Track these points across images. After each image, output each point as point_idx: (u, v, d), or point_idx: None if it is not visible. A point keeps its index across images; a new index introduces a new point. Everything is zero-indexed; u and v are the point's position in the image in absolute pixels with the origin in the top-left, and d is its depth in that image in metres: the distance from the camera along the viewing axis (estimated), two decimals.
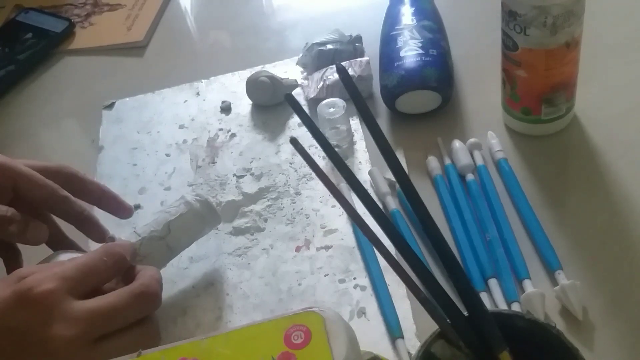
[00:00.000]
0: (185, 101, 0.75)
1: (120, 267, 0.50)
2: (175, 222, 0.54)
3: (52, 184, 0.53)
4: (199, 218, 0.55)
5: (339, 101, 0.64)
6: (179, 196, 0.56)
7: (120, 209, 0.57)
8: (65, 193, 0.53)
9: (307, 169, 0.63)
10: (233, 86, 0.75)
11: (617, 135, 0.59)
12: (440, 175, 0.58)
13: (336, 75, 0.67)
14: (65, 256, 0.52)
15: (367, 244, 0.55)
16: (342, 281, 0.54)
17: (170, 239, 0.53)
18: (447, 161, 0.59)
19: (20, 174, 0.51)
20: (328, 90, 0.67)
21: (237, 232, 0.60)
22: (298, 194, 0.62)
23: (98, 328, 0.45)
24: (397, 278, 0.51)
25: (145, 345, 0.44)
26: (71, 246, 0.56)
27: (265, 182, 0.63)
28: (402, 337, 0.48)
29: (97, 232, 0.56)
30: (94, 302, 0.46)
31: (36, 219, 0.52)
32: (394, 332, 0.49)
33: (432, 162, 0.59)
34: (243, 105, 0.72)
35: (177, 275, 0.57)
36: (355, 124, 0.66)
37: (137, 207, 0.64)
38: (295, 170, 0.64)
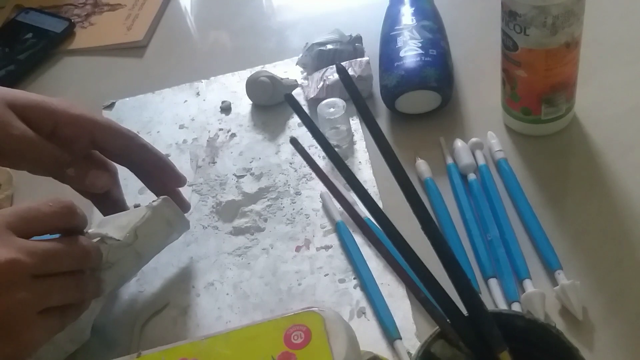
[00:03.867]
0: (185, 101, 0.75)
1: (67, 218, 0.47)
2: (142, 228, 0.52)
3: (130, 131, 0.54)
4: (166, 222, 0.54)
5: (339, 101, 0.64)
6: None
7: (175, 179, 0.57)
8: (143, 141, 0.55)
9: (307, 169, 0.63)
10: (233, 86, 0.75)
11: (617, 135, 0.59)
12: (431, 178, 0.58)
13: (336, 75, 0.67)
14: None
15: (354, 248, 0.55)
16: (342, 281, 0.54)
17: (138, 245, 0.52)
18: (449, 160, 0.59)
19: (97, 124, 0.53)
20: (328, 90, 0.67)
21: (237, 232, 0.60)
22: (298, 194, 0.62)
23: (36, 262, 0.43)
24: (397, 278, 0.52)
25: (83, 292, 0.45)
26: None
27: (265, 182, 0.63)
28: (400, 338, 0.48)
29: (175, 178, 0.56)
30: (32, 242, 0.44)
31: (98, 169, 0.53)
32: (392, 334, 0.49)
33: (422, 165, 0.59)
34: (243, 105, 0.72)
35: (177, 275, 0.57)
36: (355, 124, 0.66)
37: (137, 207, 0.64)
38: (295, 170, 0.64)
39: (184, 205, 0.58)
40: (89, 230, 0.50)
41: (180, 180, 0.58)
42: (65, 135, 0.52)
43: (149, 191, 0.65)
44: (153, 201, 0.54)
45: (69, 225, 0.47)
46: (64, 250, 0.45)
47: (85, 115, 0.53)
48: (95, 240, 0.50)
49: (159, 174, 0.56)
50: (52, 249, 0.45)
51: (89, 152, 0.55)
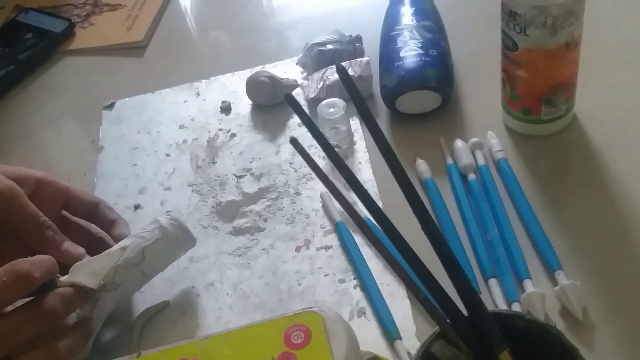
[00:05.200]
0: (185, 101, 0.75)
1: (24, 287, 0.45)
2: (150, 248, 0.52)
3: (96, 198, 0.59)
4: (174, 243, 0.54)
5: (339, 101, 0.64)
6: (153, 219, 0.54)
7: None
8: (108, 204, 0.59)
9: (307, 169, 0.63)
10: (233, 86, 0.75)
11: (617, 135, 0.59)
12: (431, 178, 0.58)
13: (336, 75, 0.67)
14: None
15: (354, 248, 0.55)
16: (342, 281, 0.54)
17: (145, 265, 0.52)
18: (450, 160, 0.59)
19: (70, 188, 0.57)
20: (328, 90, 0.67)
21: (237, 232, 0.60)
22: (298, 194, 0.62)
23: None
24: (397, 278, 0.52)
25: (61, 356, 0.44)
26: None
27: (265, 182, 0.63)
28: (400, 338, 0.48)
29: (128, 229, 0.58)
30: None
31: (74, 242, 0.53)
32: (392, 334, 0.49)
33: (422, 165, 0.59)
34: (243, 105, 0.72)
35: (177, 275, 0.57)
36: (355, 124, 0.66)
37: (137, 207, 0.64)
38: (295, 170, 0.64)
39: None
40: (61, 278, 0.49)
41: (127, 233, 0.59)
42: (45, 196, 0.54)
43: (148, 191, 0.66)
44: (161, 217, 0.54)
45: (28, 292, 0.46)
46: (17, 323, 0.44)
47: (60, 181, 0.57)
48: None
49: (112, 231, 0.58)
50: (2, 328, 0.44)
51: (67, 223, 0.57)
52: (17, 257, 0.46)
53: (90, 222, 0.58)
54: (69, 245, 0.52)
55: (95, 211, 0.58)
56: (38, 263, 0.46)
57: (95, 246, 0.55)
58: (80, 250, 0.53)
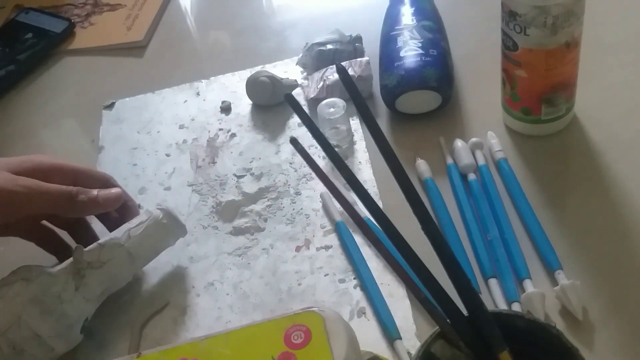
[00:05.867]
0: (185, 101, 0.75)
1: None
2: (136, 229, 0.54)
3: (105, 174, 0.59)
4: (161, 226, 0.55)
5: (339, 101, 0.64)
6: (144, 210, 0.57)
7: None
8: (116, 183, 0.60)
9: (307, 169, 0.63)
10: (233, 86, 0.75)
11: (617, 135, 0.59)
12: (431, 178, 0.58)
13: (336, 75, 0.67)
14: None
15: (354, 248, 0.55)
16: (342, 281, 0.54)
17: (131, 246, 0.53)
18: (449, 160, 0.59)
19: (78, 169, 0.57)
20: (328, 90, 0.67)
21: (237, 232, 0.60)
22: (298, 194, 0.62)
23: None
24: (397, 278, 0.52)
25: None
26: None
27: (265, 182, 0.63)
28: (400, 338, 0.48)
29: (134, 213, 0.59)
30: None
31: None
32: (392, 334, 0.49)
33: (422, 165, 0.59)
34: (243, 105, 0.72)
35: (177, 275, 0.57)
36: (355, 124, 0.66)
37: (138, 207, 0.64)
38: (295, 170, 0.64)
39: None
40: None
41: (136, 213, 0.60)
42: (53, 182, 0.55)
43: (148, 191, 0.66)
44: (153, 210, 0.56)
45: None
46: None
47: (67, 162, 0.57)
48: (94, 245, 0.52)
49: (123, 212, 0.59)
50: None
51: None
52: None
53: None
54: (104, 194, 0.55)
55: (105, 187, 0.58)
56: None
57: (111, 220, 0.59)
58: (115, 191, 0.56)
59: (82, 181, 0.57)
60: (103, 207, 0.55)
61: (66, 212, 0.55)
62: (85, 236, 0.58)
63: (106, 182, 0.59)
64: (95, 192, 0.55)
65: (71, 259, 0.52)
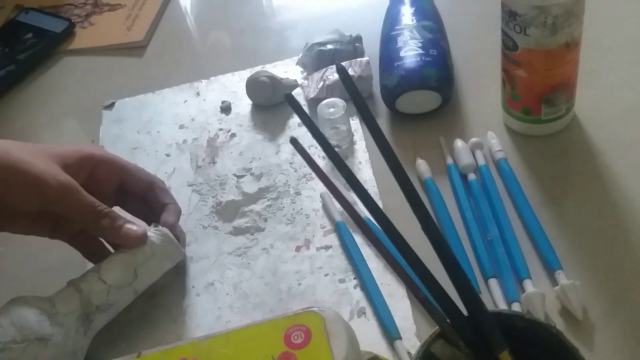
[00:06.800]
0: (185, 101, 0.75)
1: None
2: (142, 268, 0.52)
3: (151, 176, 0.58)
4: (165, 258, 0.54)
5: (339, 101, 0.64)
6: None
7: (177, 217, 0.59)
8: (164, 184, 0.59)
9: (307, 169, 0.63)
10: (233, 86, 0.75)
11: (617, 135, 0.59)
12: (431, 178, 0.58)
13: (336, 75, 0.67)
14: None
15: (354, 248, 0.55)
16: (342, 281, 0.54)
17: (137, 283, 0.52)
18: (450, 160, 0.59)
19: (126, 166, 0.57)
20: (328, 90, 0.67)
21: (237, 232, 0.60)
22: (298, 194, 0.62)
23: None
24: (397, 278, 0.52)
25: None
26: None
27: (265, 182, 0.63)
28: (400, 338, 0.48)
29: (177, 216, 0.58)
30: None
31: (134, 222, 0.54)
32: (392, 334, 0.49)
33: (422, 165, 0.59)
34: (243, 105, 0.72)
35: (177, 275, 0.57)
36: (355, 124, 0.66)
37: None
38: (295, 170, 0.64)
39: (182, 237, 0.59)
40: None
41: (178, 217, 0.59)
42: (100, 175, 0.55)
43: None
44: (152, 230, 0.54)
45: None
46: None
47: (117, 158, 0.57)
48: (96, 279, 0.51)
49: (165, 213, 0.58)
50: None
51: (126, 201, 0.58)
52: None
53: (143, 200, 0.58)
54: (128, 229, 0.53)
55: (149, 191, 0.58)
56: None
57: (154, 218, 0.57)
58: (139, 232, 0.53)
59: (127, 179, 0.56)
60: (120, 241, 0.53)
61: (87, 226, 0.54)
62: (95, 246, 0.57)
63: (150, 185, 0.57)
64: (120, 222, 0.53)
65: (77, 296, 0.50)
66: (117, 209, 0.56)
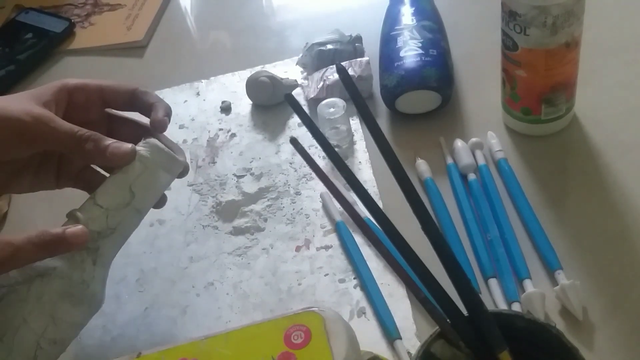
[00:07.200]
0: (185, 101, 0.75)
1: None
2: (137, 184, 0.49)
3: (130, 85, 0.55)
4: (160, 170, 0.51)
5: (339, 101, 0.64)
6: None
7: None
8: (144, 88, 0.55)
9: (307, 169, 0.63)
10: (233, 86, 0.75)
11: (617, 135, 0.59)
12: (431, 178, 0.58)
13: (336, 75, 0.67)
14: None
15: (354, 248, 0.55)
16: (342, 281, 0.54)
17: (136, 202, 0.49)
18: (450, 160, 0.59)
19: (102, 85, 0.55)
20: (328, 90, 0.67)
21: (237, 231, 0.60)
22: (298, 194, 0.62)
23: None
24: (397, 278, 0.52)
25: None
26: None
27: (265, 182, 0.63)
28: (400, 338, 0.48)
29: (163, 112, 0.55)
30: None
31: (119, 140, 0.51)
32: (392, 334, 0.49)
33: (422, 165, 0.59)
34: (243, 105, 0.72)
35: (177, 275, 0.57)
36: (355, 124, 0.66)
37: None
38: (295, 170, 0.64)
39: (174, 147, 0.56)
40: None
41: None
42: (79, 101, 0.54)
43: None
44: (141, 144, 0.51)
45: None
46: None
47: (92, 80, 0.55)
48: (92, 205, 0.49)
49: (153, 113, 0.55)
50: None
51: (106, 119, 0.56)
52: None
53: (132, 111, 0.56)
54: (113, 148, 0.50)
55: (133, 97, 0.55)
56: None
57: (145, 135, 0.54)
58: (126, 148, 0.50)
59: (107, 96, 0.54)
60: (110, 161, 0.50)
61: (73, 155, 0.52)
62: (98, 179, 0.54)
63: (131, 92, 0.54)
64: (106, 142, 0.50)
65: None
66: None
